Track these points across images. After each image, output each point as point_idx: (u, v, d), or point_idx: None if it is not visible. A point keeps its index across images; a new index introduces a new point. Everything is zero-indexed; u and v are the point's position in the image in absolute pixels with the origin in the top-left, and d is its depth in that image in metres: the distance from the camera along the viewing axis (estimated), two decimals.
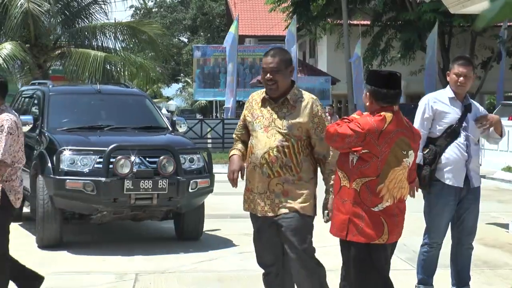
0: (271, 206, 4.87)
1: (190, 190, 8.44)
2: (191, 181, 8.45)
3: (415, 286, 6.06)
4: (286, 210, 4.84)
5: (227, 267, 7.61)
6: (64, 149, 8.40)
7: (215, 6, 57.85)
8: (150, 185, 8.17)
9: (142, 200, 8.24)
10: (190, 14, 58.86)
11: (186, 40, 63.23)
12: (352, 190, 4.48)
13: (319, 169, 5.01)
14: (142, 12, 60.21)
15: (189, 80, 59.37)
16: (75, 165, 8.31)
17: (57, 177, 8.30)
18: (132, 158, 8.23)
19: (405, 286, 6.48)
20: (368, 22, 32.95)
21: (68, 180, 8.21)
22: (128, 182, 8.09)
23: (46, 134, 9.18)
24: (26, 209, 10.05)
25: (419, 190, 5.87)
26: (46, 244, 8.49)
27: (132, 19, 54.21)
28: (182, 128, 10.14)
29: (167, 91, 76.87)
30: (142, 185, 8.16)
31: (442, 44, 30.59)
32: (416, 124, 5.77)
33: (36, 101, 10.24)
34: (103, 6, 23.01)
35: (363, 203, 4.46)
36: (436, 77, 28.01)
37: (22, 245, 8.61)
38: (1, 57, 19.54)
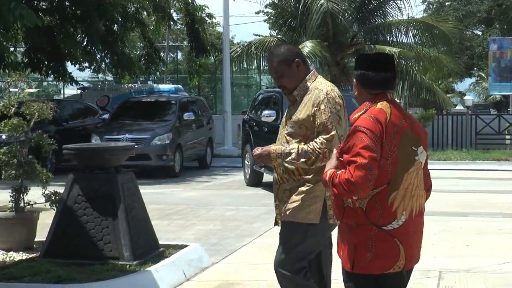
0: (281, 214, 4.43)
1: None
2: None
3: None
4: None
5: None
6: None
7: None
8: None
9: None
10: (485, 6, 56.79)
11: (480, 33, 61.14)
12: (357, 210, 3.56)
13: None
14: (434, 6, 59.38)
15: (483, 74, 57.36)
16: None
17: None
18: None
19: None
20: None
21: None
22: None
23: None
24: None
25: None
26: None
27: (424, 14, 53.74)
28: None
29: (459, 86, 74.96)
30: None
31: None
32: None
33: (275, 100, 14.30)
34: (398, 2, 23.12)
35: (371, 224, 3.56)
36: None
37: None
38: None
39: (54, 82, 33.22)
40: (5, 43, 14.96)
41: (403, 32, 23.26)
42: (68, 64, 19.78)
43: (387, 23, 22.95)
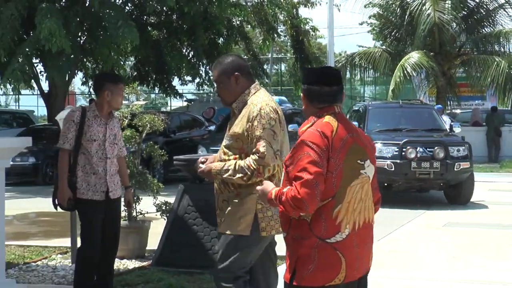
0: (220, 224, 4.49)
1: (455, 169, 12.68)
2: (456, 163, 12.68)
3: None
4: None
5: None
6: (376, 142, 12.02)
7: None
8: (428, 165, 12.65)
9: (423, 175, 12.70)
10: None
11: None
12: (302, 222, 3.56)
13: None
14: None
15: None
16: (381, 152, 12.65)
17: None
18: (418, 148, 12.77)
19: None
20: None
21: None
22: (414, 163, 12.68)
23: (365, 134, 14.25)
24: None
25: None
26: None
27: None
28: (457, 130, 14.81)
29: None
30: (423, 165, 12.66)
31: None
32: None
33: (360, 113, 15.14)
34: (508, 10, 22.53)
35: (314, 236, 3.55)
36: None
37: None
38: (409, 65, 20.28)
39: (161, 94, 33.98)
40: (116, 57, 15.46)
41: None
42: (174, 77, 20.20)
43: (495, 32, 22.38)
